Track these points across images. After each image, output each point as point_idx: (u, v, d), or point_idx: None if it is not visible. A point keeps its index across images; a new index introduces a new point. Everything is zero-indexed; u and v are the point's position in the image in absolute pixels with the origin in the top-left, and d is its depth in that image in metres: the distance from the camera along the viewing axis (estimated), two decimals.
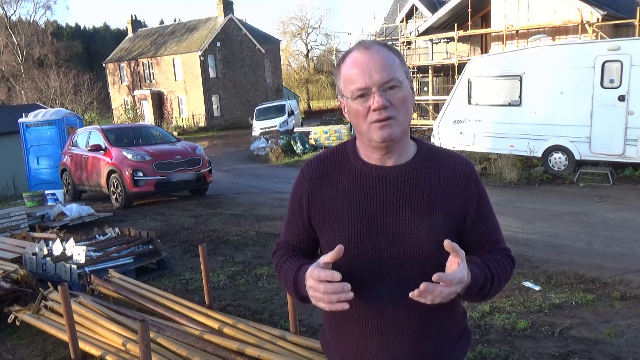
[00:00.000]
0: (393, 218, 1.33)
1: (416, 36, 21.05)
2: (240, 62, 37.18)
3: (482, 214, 1.39)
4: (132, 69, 38.45)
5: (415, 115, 20.70)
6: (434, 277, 1.17)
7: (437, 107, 19.58)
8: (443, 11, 20.12)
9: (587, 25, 15.71)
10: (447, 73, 21.70)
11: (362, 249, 1.34)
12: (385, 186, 1.35)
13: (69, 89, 34.29)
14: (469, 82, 10.94)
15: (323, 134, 17.19)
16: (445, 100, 12.95)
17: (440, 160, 1.39)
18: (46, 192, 9.71)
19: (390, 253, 1.33)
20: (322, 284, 1.20)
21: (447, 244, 1.19)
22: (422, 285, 1.17)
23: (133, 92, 37.96)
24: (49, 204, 9.16)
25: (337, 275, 1.19)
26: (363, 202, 1.35)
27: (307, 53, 50.14)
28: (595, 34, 15.54)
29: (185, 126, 33.79)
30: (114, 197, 10.00)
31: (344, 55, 1.35)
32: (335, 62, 33.40)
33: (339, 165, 1.42)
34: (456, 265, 1.21)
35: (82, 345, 3.47)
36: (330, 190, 1.40)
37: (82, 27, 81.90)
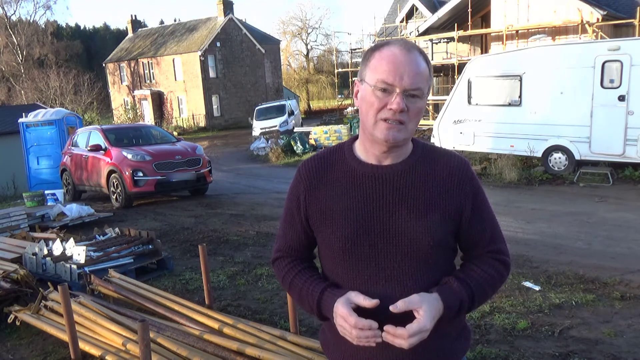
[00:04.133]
0: (389, 216, 1.34)
1: (416, 36, 21.04)
2: (240, 62, 37.18)
3: (478, 213, 1.40)
4: (132, 69, 38.45)
5: None
6: (385, 328, 1.25)
7: (437, 107, 19.58)
8: (443, 11, 20.13)
9: (587, 25, 15.72)
10: (447, 73, 21.72)
11: (359, 247, 1.35)
12: (381, 185, 1.36)
13: (69, 89, 34.29)
14: (469, 82, 10.94)
15: (323, 134, 17.19)
16: (445, 100, 12.94)
17: (435, 159, 1.40)
18: (46, 192, 9.70)
19: (387, 252, 1.33)
20: (356, 330, 1.25)
21: (392, 308, 1.25)
22: (383, 335, 1.25)
23: (133, 92, 37.96)
24: (49, 204, 9.15)
25: (374, 325, 1.24)
26: (360, 201, 1.36)
27: (307, 53, 50.19)
28: (595, 34, 15.54)
29: (185, 126, 33.79)
30: (114, 197, 10.00)
31: (380, 45, 1.35)
32: (335, 62, 33.49)
33: (336, 164, 1.42)
34: (417, 314, 1.25)
35: (82, 345, 3.46)
36: (327, 189, 1.40)
37: (82, 27, 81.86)
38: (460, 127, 11.16)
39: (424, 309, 1.25)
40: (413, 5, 24.05)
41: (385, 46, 1.33)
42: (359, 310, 1.28)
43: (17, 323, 4.14)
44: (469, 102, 10.98)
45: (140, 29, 42.42)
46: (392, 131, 1.30)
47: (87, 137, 10.77)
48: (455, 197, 1.36)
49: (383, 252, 1.34)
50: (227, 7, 36.00)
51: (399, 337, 1.23)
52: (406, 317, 1.29)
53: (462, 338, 1.47)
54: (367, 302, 1.27)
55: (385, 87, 1.28)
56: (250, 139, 22.26)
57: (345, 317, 1.27)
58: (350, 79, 27.04)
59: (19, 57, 41.27)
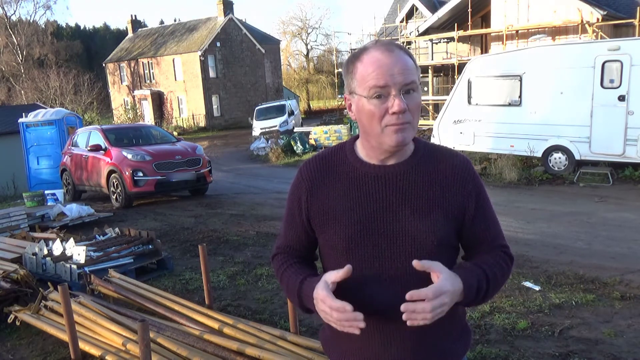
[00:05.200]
0: (393, 217, 1.33)
1: (416, 36, 21.06)
2: (240, 62, 37.18)
3: (481, 211, 1.39)
4: (132, 69, 38.45)
5: None
6: (407, 296, 1.19)
7: (437, 107, 19.59)
8: (443, 11, 20.14)
9: (587, 25, 15.72)
10: (447, 73, 21.72)
11: (362, 248, 1.34)
12: (384, 185, 1.35)
13: (69, 89, 34.30)
14: (469, 82, 10.94)
15: (323, 134, 17.19)
16: (445, 100, 12.95)
17: (437, 158, 1.39)
18: (46, 192, 9.70)
19: (391, 252, 1.33)
20: (335, 312, 1.22)
21: (416, 264, 1.21)
22: (402, 307, 1.19)
23: (133, 92, 37.96)
24: (49, 204, 9.15)
25: (348, 307, 1.21)
26: (362, 202, 1.35)
27: (307, 53, 50.18)
28: (595, 34, 15.55)
29: (185, 126, 33.79)
30: (114, 197, 10.00)
31: (358, 53, 1.32)
32: (335, 62, 33.42)
33: (338, 165, 1.41)
34: (436, 279, 1.21)
35: (82, 345, 3.46)
36: (329, 190, 1.39)
37: (82, 27, 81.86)
38: (460, 127, 11.16)
39: (443, 275, 1.22)
40: (413, 5, 24.05)
41: (365, 53, 1.30)
42: (361, 311, 1.27)
43: (17, 323, 4.14)
44: (469, 102, 10.98)
45: (140, 29, 42.41)
46: (400, 133, 1.28)
47: (87, 137, 10.77)
48: (458, 196, 1.36)
49: (386, 253, 1.33)
50: (227, 7, 36.00)
51: (421, 311, 1.18)
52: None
53: (463, 338, 1.47)
54: (340, 273, 1.24)
55: (380, 92, 1.26)
56: (250, 139, 22.26)
57: (324, 300, 1.24)
58: None
59: (19, 57, 41.28)
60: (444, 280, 1.21)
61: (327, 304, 1.23)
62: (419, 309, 1.18)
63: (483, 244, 1.42)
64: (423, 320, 1.19)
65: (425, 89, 22.11)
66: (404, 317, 1.20)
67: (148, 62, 37.29)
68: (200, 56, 34.17)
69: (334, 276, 1.26)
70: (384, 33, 25.08)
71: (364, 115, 1.31)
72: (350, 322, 1.22)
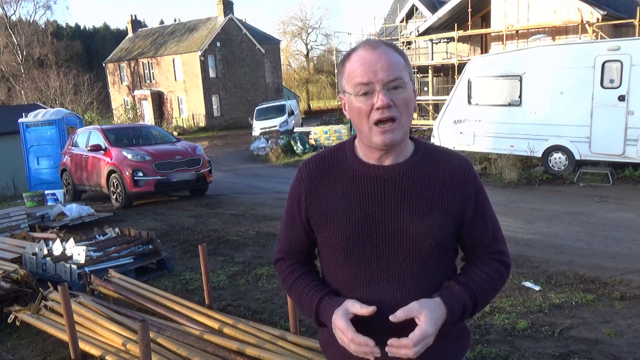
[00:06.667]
0: (391, 217, 1.33)
1: (416, 36, 21.06)
2: (240, 62, 37.18)
3: (481, 213, 1.39)
4: (132, 69, 38.45)
5: (415, 115, 20.69)
6: (389, 342, 1.23)
7: (437, 107, 19.58)
8: (443, 11, 20.12)
9: (587, 25, 15.71)
10: (447, 73, 21.70)
11: (360, 248, 1.34)
12: (383, 185, 1.34)
13: (69, 89, 34.30)
14: (469, 82, 10.94)
15: (323, 134, 17.20)
16: (445, 100, 12.95)
17: (438, 159, 1.39)
18: (46, 192, 9.70)
19: (389, 252, 1.33)
20: (353, 345, 1.25)
21: (393, 318, 1.23)
22: (388, 350, 1.23)
23: (133, 92, 37.96)
24: (49, 204, 9.15)
25: (370, 343, 1.23)
26: (361, 202, 1.34)
27: (307, 53, 50.16)
28: (595, 34, 15.54)
29: (185, 126, 33.79)
30: (114, 197, 10.00)
31: (349, 53, 1.34)
32: (335, 62, 33.43)
33: (337, 164, 1.41)
34: (417, 322, 1.23)
35: (82, 345, 3.46)
36: (328, 189, 1.39)
37: (82, 27, 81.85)
38: (460, 127, 11.16)
39: (424, 314, 1.24)
40: (413, 5, 24.05)
41: (353, 52, 1.33)
42: (359, 325, 1.27)
43: (17, 323, 4.14)
44: (469, 102, 10.98)
45: (140, 29, 42.41)
46: (387, 134, 1.29)
47: (87, 137, 10.78)
48: (457, 197, 1.35)
49: (385, 253, 1.33)
50: (227, 7, 35.99)
51: (404, 347, 1.22)
52: (409, 322, 1.28)
53: (462, 339, 1.47)
54: (364, 310, 1.26)
55: (365, 89, 1.28)
56: (250, 139, 22.25)
57: (343, 331, 1.26)
58: None
59: (19, 57, 41.28)
60: (426, 325, 1.23)
61: (348, 337, 1.25)
62: (401, 353, 1.23)
63: (482, 246, 1.41)
64: (405, 357, 1.24)
65: (425, 89, 22.10)
66: (386, 349, 1.23)
67: (148, 62, 37.29)
68: (200, 56, 34.17)
69: (357, 309, 1.27)
70: (384, 33, 25.07)
71: (353, 113, 1.33)
72: (367, 354, 1.25)
